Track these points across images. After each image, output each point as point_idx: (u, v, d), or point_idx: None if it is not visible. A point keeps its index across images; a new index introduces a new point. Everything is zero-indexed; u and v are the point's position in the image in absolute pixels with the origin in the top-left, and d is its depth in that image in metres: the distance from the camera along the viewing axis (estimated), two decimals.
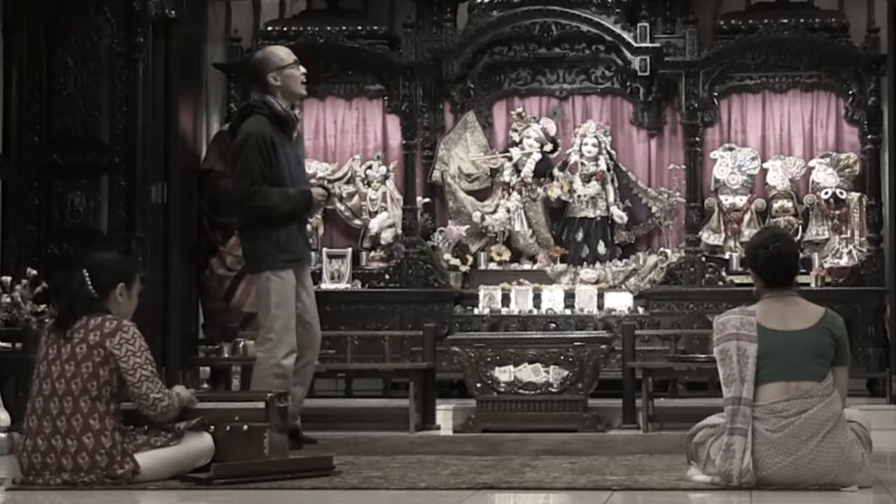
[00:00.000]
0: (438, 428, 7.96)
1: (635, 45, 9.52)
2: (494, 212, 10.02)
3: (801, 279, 8.76)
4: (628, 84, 10.02)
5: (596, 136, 10.01)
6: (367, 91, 10.15)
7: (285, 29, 9.97)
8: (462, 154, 10.09)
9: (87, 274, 4.88)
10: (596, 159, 10.00)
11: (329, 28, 9.84)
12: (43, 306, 6.93)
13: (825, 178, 9.70)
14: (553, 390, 7.79)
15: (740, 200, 9.82)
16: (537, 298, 9.37)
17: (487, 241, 10.01)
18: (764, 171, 9.90)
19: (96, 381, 4.75)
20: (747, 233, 9.74)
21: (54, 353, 4.81)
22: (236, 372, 7.97)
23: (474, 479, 4.89)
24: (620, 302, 9.34)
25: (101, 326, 4.79)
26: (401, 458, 5.80)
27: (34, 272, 7.14)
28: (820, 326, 4.60)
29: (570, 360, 7.79)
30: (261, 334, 6.31)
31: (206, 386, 8.16)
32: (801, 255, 9.20)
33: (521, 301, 9.35)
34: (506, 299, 9.38)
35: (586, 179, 9.97)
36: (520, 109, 10.16)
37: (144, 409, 4.83)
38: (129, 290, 4.95)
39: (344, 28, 9.87)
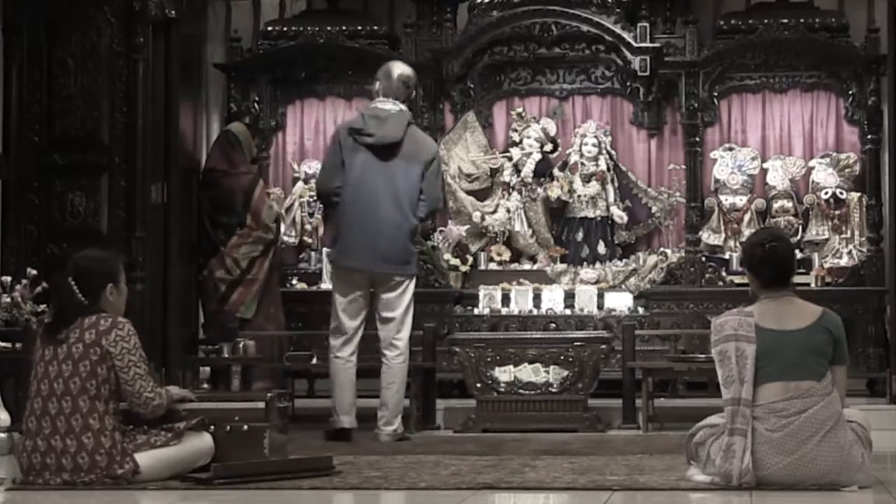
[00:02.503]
0: (438, 428, 7.97)
1: (635, 45, 9.51)
2: (494, 212, 10.02)
3: (801, 279, 8.77)
4: (628, 84, 10.01)
5: (596, 136, 10.01)
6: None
7: (285, 29, 9.98)
8: (462, 154, 10.09)
9: (73, 283, 4.87)
10: (596, 159, 9.99)
11: (329, 28, 9.84)
12: (43, 306, 6.93)
13: (825, 178, 9.69)
14: (553, 390, 7.79)
15: (740, 200, 9.82)
16: (537, 298, 9.36)
17: (487, 241, 10.01)
18: (764, 171, 9.89)
19: (94, 380, 4.76)
20: (747, 233, 9.71)
21: (51, 353, 4.81)
22: (236, 372, 7.96)
23: (474, 479, 4.89)
24: (620, 302, 9.33)
25: (96, 325, 4.79)
26: (401, 458, 5.81)
27: (34, 272, 7.13)
28: (818, 325, 4.61)
29: (570, 360, 7.80)
30: (406, 329, 7.02)
31: (206, 386, 8.15)
32: (801, 256, 9.21)
33: (521, 301, 9.35)
34: (506, 299, 9.38)
35: (586, 179, 9.96)
36: (520, 109, 10.16)
37: (135, 407, 4.84)
38: (118, 286, 4.96)
39: (344, 28, 9.87)
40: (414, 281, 7.10)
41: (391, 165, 6.92)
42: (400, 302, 6.99)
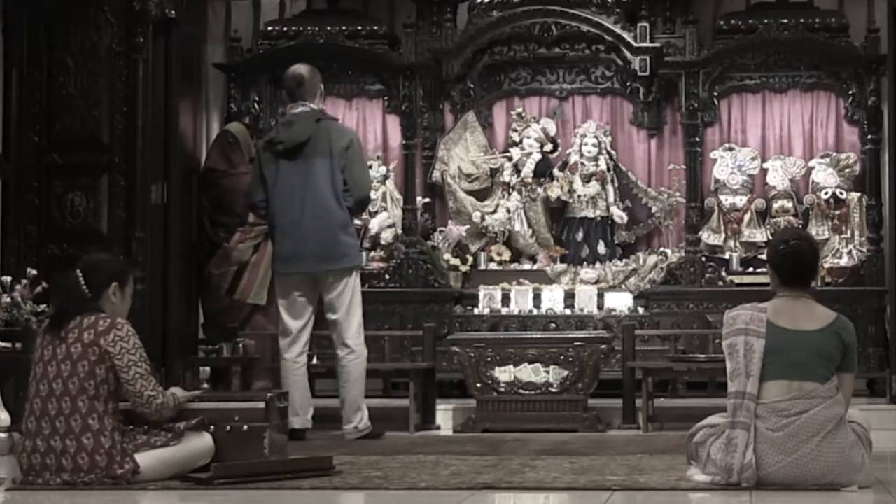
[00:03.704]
0: (438, 428, 7.96)
1: (635, 45, 9.51)
2: (494, 212, 10.02)
3: None
4: (628, 84, 10.01)
5: (596, 136, 10.01)
6: (367, 91, 10.15)
7: (285, 29, 9.98)
8: (462, 154, 10.09)
9: (80, 274, 4.90)
10: (596, 159, 9.99)
11: (329, 28, 9.84)
12: (43, 306, 6.94)
13: (825, 178, 9.69)
14: (553, 390, 7.79)
15: (740, 200, 9.82)
16: (537, 298, 9.36)
17: (487, 241, 10.01)
18: (764, 171, 9.89)
19: (93, 380, 4.75)
20: (747, 233, 9.75)
21: (50, 353, 4.81)
22: (236, 372, 7.97)
23: (474, 479, 4.89)
24: (620, 302, 9.33)
25: (95, 325, 4.80)
26: (401, 458, 5.80)
27: (34, 272, 7.14)
28: (830, 330, 4.60)
29: (570, 360, 7.79)
30: (353, 328, 6.94)
31: (206, 386, 8.16)
32: None
33: (521, 301, 9.35)
34: (506, 299, 9.38)
35: (586, 179, 9.96)
36: (520, 109, 10.16)
37: (139, 408, 4.83)
38: (123, 290, 4.96)
39: (344, 28, 9.87)
40: (354, 275, 7.01)
41: (307, 165, 6.91)
42: (341, 301, 6.94)
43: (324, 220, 6.86)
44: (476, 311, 9.36)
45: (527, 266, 9.89)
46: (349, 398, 7.00)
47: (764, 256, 9.36)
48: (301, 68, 7.19)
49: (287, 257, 6.98)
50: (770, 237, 9.45)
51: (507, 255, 9.91)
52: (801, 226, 9.62)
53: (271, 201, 6.99)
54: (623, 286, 9.61)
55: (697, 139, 9.70)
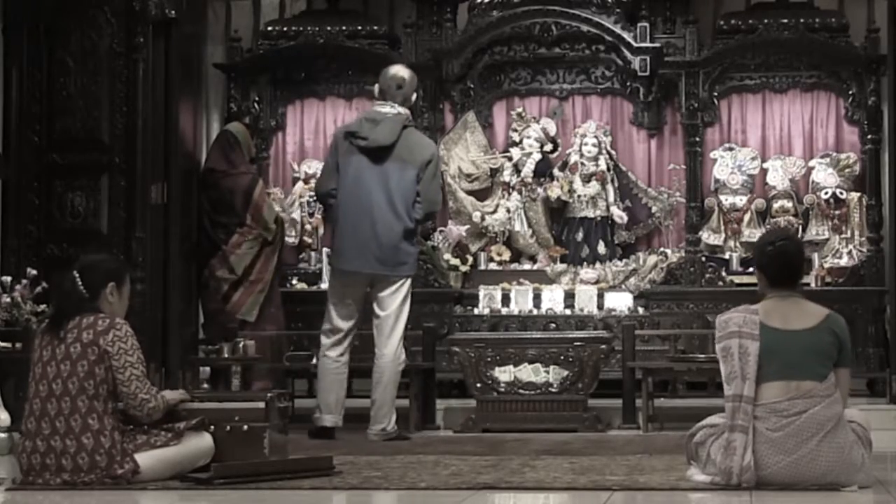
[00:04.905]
0: (438, 428, 7.97)
1: (635, 45, 9.52)
2: (494, 212, 10.02)
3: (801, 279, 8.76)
4: (628, 84, 10.01)
5: (596, 136, 10.01)
6: (368, 91, 10.12)
7: (285, 29, 9.99)
8: (462, 154, 10.09)
9: (77, 275, 4.90)
10: (596, 159, 9.99)
11: (329, 28, 9.85)
12: (43, 306, 6.94)
13: (825, 178, 9.69)
14: (553, 390, 7.79)
15: (740, 200, 9.82)
16: (537, 298, 9.36)
17: (487, 241, 10.01)
18: (764, 171, 9.89)
19: (93, 380, 4.76)
20: (747, 233, 9.75)
21: (49, 354, 4.81)
22: (236, 372, 7.96)
23: (474, 479, 4.89)
24: (620, 302, 9.33)
25: (94, 325, 4.80)
26: (401, 458, 5.80)
27: (34, 272, 7.14)
28: (823, 327, 4.60)
29: (570, 360, 7.80)
30: (395, 333, 6.98)
31: (206, 386, 8.15)
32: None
33: (521, 301, 9.35)
34: (506, 299, 9.38)
35: (586, 179, 9.96)
36: (520, 109, 10.15)
37: (131, 409, 4.83)
38: (120, 289, 4.97)
39: (344, 28, 9.87)
40: (409, 282, 7.11)
41: (384, 168, 6.97)
42: (392, 301, 7.01)
43: (393, 226, 6.93)
44: (476, 311, 9.36)
45: (527, 266, 9.89)
46: (380, 400, 7.03)
47: None
48: (403, 72, 7.25)
49: (348, 255, 7.04)
50: None
51: (507, 255, 9.91)
52: (801, 226, 9.63)
53: (340, 194, 7.04)
54: (623, 286, 9.60)
55: (697, 139, 9.70)
